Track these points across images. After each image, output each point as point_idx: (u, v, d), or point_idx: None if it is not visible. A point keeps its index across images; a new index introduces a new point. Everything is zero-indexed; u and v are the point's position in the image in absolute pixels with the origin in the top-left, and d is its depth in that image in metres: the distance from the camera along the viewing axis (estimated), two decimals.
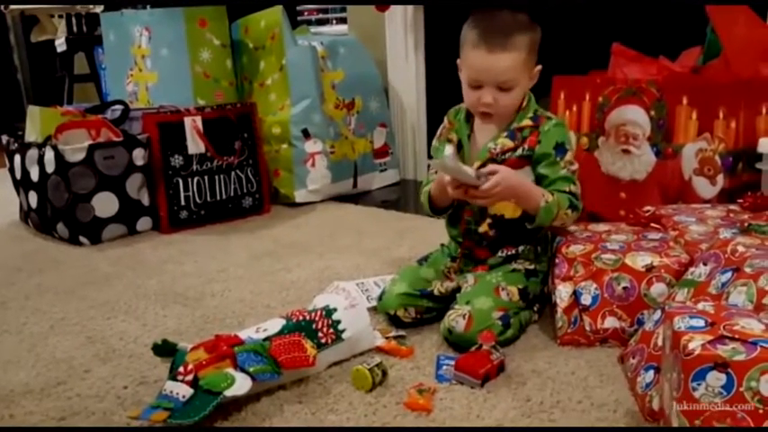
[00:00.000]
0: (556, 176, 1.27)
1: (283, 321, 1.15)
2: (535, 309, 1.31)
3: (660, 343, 0.98)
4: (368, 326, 1.20)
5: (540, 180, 1.28)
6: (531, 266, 1.31)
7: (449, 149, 1.29)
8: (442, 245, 1.44)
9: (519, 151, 1.28)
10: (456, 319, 1.20)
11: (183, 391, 0.99)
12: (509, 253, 1.32)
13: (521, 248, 1.32)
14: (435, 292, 1.31)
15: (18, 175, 2.10)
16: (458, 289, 1.31)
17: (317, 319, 1.15)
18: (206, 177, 2.12)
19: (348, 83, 2.48)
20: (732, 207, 1.40)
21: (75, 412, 1.06)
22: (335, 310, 1.18)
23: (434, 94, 2.68)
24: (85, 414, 1.05)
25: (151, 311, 1.46)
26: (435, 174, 1.36)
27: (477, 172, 1.20)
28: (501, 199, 1.23)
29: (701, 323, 0.84)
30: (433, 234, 1.52)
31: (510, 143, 1.29)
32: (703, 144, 1.55)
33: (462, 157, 1.34)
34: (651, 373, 0.99)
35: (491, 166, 1.22)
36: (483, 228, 1.32)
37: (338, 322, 1.16)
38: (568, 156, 1.28)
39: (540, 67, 1.29)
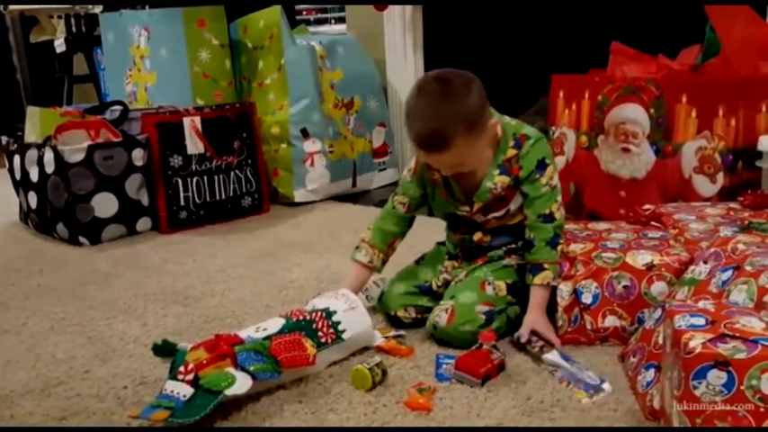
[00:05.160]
0: (536, 194, 1.25)
1: (283, 321, 1.15)
2: None
3: (661, 341, 0.97)
4: (369, 327, 1.20)
5: (523, 196, 1.27)
6: (524, 262, 1.30)
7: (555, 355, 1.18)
8: (438, 243, 1.44)
9: (512, 183, 1.26)
10: (439, 313, 1.21)
11: (183, 390, 0.99)
12: (510, 246, 1.32)
13: (519, 243, 1.31)
14: (434, 287, 1.32)
15: (18, 176, 2.10)
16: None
17: (317, 319, 1.15)
18: (205, 177, 2.12)
19: (347, 82, 2.48)
20: (732, 205, 1.40)
21: (76, 412, 1.06)
22: (335, 312, 1.18)
23: None
24: (86, 414, 1.05)
25: (151, 311, 1.46)
26: (400, 195, 1.37)
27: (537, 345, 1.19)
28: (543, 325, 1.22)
29: (702, 321, 0.83)
30: (432, 233, 1.52)
31: (507, 179, 1.25)
32: (703, 142, 1.54)
33: (452, 193, 1.30)
34: (652, 371, 0.98)
35: (529, 331, 1.19)
36: (477, 236, 1.32)
37: (338, 323, 1.16)
38: (549, 170, 1.25)
39: (493, 121, 1.21)
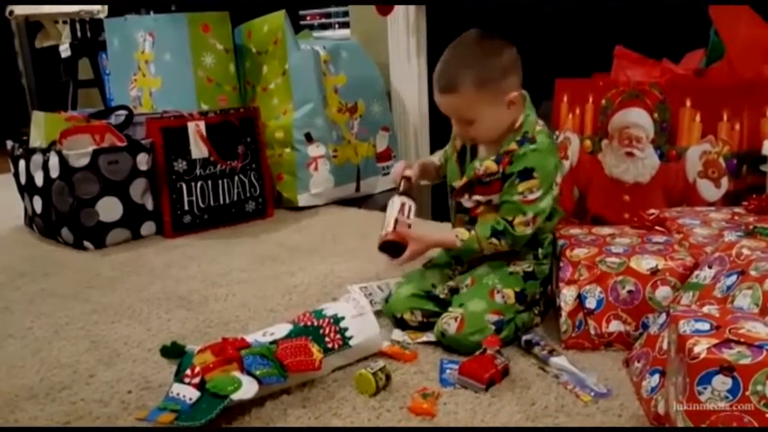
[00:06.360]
0: (507, 198, 1.26)
1: (290, 326, 1.15)
2: (536, 311, 1.31)
3: (665, 346, 0.97)
4: (377, 334, 1.20)
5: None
6: (530, 269, 1.31)
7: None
8: None
9: (498, 174, 1.27)
10: (448, 321, 1.20)
11: (189, 393, 1.00)
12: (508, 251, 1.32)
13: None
14: (441, 296, 1.31)
15: (23, 181, 2.11)
16: (457, 290, 1.31)
17: (324, 325, 1.15)
18: (209, 182, 2.13)
19: (350, 87, 2.48)
20: (737, 210, 1.40)
21: (80, 417, 1.06)
22: (343, 317, 1.18)
23: None
24: (90, 419, 1.06)
25: (155, 316, 1.46)
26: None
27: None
28: (422, 253, 1.32)
29: (707, 326, 0.83)
30: None
31: (494, 167, 1.27)
32: (707, 146, 1.54)
33: (462, 165, 1.35)
34: (656, 376, 0.98)
35: (392, 236, 1.27)
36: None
37: (346, 329, 1.16)
38: (531, 183, 1.23)
39: (514, 93, 1.24)
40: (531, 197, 1.24)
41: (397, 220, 1.30)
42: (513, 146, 1.26)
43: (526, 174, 1.24)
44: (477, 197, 1.31)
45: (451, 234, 1.30)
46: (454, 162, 1.37)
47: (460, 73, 1.21)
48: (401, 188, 1.37)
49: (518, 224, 1.25)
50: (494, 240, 1.26)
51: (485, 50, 1.24)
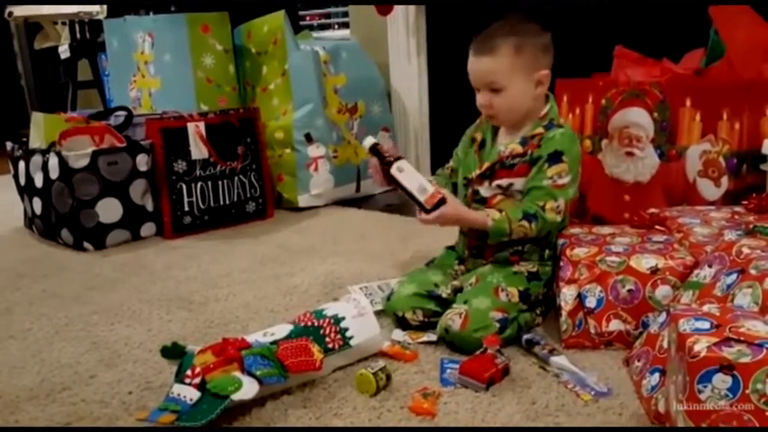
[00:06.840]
0: (533, 185, 1.27)
1: (291, 327, 1.15)
2: (538, 312, 1.31)
3: (665, 345, 0.97)
4: (377, 334, 1.20)
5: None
6: (534, 269, 1.31)
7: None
8: (448, 247, 1.44)
9: (526, 157, 1.29)
10: (452, 317, 1.20)
11: (190, 394, 1.00)
12: (516, 248, 1.32)
13: (526, 246, 1.32)
14: (443, 296, 1.31)
15: (22, 182, 2.11)
16: (461, 290, 1.31)
17: (324, 325, 1.15)
18: (209, 182, 2.13)
19: (350, 87, 2.48)
20: (737, 209, 1.40)
21: (81, 417, 1.06)
22: (344, 318, 1.18)
23: (437, 97, 2.68)
24: (91, 419, 1.06)
25: (155, 317, 1.46)
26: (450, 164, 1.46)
27: (431, 191, 1.24)
28: (444, 225, 1.29)
29: (707, 325, 0.83)
30: (437, 238, 1.52)
31: (520, 149, 1.30)
32: (707, 146, 1.54)
33: (482, 154, 1.37)
34: (656, 375, 0.98)
35: (441, 192, 1.25)
36: None
37: (346, 329, 1.16)
38: (560, 167, 1.26)
39: (545, 72, 1.30)
40: (560, 182, 1.26)
41: (430, 181, 1.29)
42: (540, 130, 1.29)
43: (556, 156, 1.26)
44: (498, 182, 1.32)
45: (482, 213, 1.27)
46: (473, 154, 1.38)
47: (502, 36, 1.27)
48: (386, 156, 1.30)
49: (549, 210, 1.26)
50: (524, 223, 1.25)
51: (526, 28, 1.30)
